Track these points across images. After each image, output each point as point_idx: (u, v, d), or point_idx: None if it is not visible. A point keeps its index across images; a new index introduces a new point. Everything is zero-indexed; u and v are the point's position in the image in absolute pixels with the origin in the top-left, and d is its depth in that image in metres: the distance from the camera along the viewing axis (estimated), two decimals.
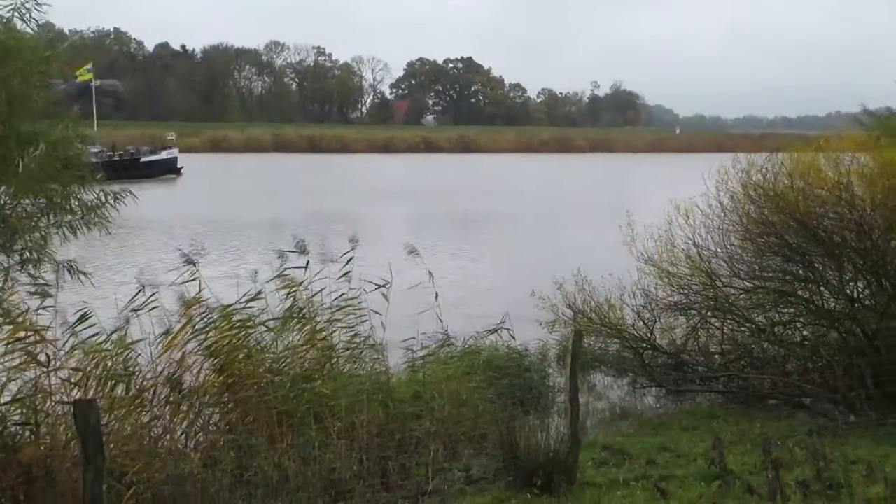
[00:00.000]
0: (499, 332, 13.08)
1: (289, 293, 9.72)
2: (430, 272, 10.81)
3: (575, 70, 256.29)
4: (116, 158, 66.53)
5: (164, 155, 75.01)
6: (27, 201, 8.50)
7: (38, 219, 8.57)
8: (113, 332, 8.44)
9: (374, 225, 40.51)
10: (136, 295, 8.82)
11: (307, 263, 9.81)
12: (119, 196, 9.13)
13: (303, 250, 9.83)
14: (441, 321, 11.21)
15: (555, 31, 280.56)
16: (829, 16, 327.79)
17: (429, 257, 11.13)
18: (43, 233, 8.58)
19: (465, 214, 47.90)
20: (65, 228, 8.73)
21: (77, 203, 8.72)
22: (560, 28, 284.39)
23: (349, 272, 9.96)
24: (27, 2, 8.51)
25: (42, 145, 8.07)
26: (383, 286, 10.20)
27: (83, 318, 8.40)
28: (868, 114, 15.65)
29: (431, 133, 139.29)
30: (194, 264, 9.23)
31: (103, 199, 8.91)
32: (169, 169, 73.72)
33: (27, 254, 8.53)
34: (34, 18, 8.62)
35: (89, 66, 70.67)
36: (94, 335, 8.36)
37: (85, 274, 8.91)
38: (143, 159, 71.91)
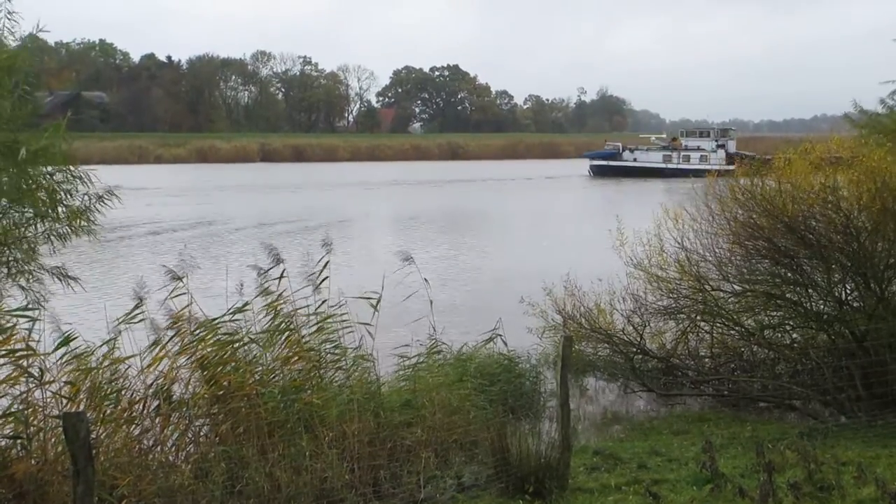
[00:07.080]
0: (492, 339, 13.08)
1: (272, 306, 9.68)
2: (425, 279, 10.81)
3: (560, 78, 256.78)
4: None
5: None
6: (14, 212, 8.44)
7: (27, 229, 8.50)
8: (103, 343, 8.40)
9: (365, 230, 40.51)
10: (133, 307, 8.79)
11: (283, 272, 9.77)
12: (104, 197, 9.01)
13: (278, 261, 9.82)
14: (434, 328, 11.18)
15: (539, 40, 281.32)
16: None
17: (419, 260, 11.10)
18: (31, 243, 8.51)
19: (454, 219, 47.94)
20: (52, 237, 8.65)
21: (63, 210, 8.64)
22: (543, 38, 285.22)
23: (327, 278, 9.92)
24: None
25: (23, 152, 8.00)
26: (372, 298, 10.14)
27: (66, 339, 8.32)
28: (861, 112, 15.16)
29: (421, 140, 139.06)
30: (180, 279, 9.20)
31: (88, 203, 8.80)
32: None
33: (15, 265, 8.46)
34: (8, 27, 8.56)
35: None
36: (84, 346, 8.32)
37: (74, 279, 8.84)
38: None
